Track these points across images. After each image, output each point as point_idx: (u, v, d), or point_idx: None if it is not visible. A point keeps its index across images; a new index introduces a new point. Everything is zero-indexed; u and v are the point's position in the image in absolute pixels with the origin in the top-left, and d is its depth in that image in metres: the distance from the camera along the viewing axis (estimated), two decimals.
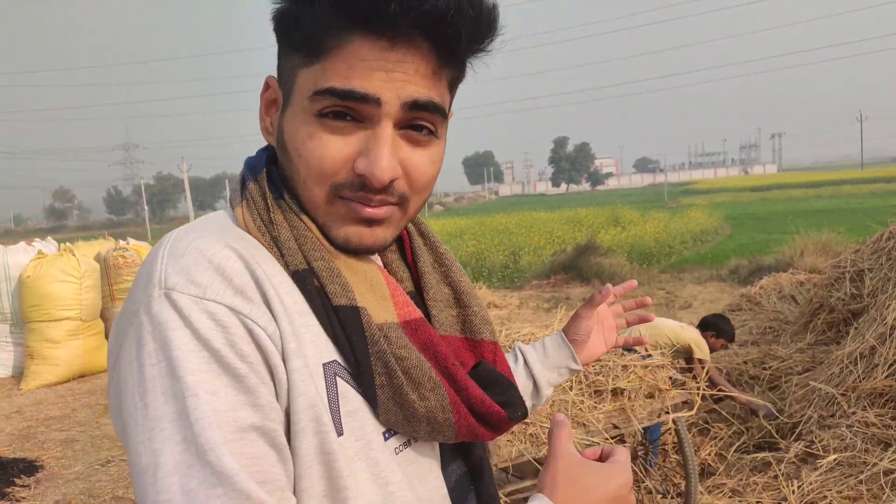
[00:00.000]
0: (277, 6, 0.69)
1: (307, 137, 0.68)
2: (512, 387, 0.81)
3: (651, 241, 16.53)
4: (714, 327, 4.30)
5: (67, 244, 7.76)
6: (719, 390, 4.22)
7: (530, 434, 2.96)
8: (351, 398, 0.68)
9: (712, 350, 4.34)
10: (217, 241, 0.66)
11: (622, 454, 0.77)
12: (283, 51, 0.72)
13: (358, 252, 0.73)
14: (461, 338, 0.81)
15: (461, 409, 0.72)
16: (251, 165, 0.77)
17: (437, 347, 0.73)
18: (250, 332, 0.62)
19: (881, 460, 3.33)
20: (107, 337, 7.59)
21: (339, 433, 0.66)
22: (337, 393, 0.67)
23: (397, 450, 0.71)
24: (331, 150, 0.68)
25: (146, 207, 53.53)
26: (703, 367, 4.03)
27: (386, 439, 0.70)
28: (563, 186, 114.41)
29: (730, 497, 3.53)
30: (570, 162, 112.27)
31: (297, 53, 0.69)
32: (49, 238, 8.11)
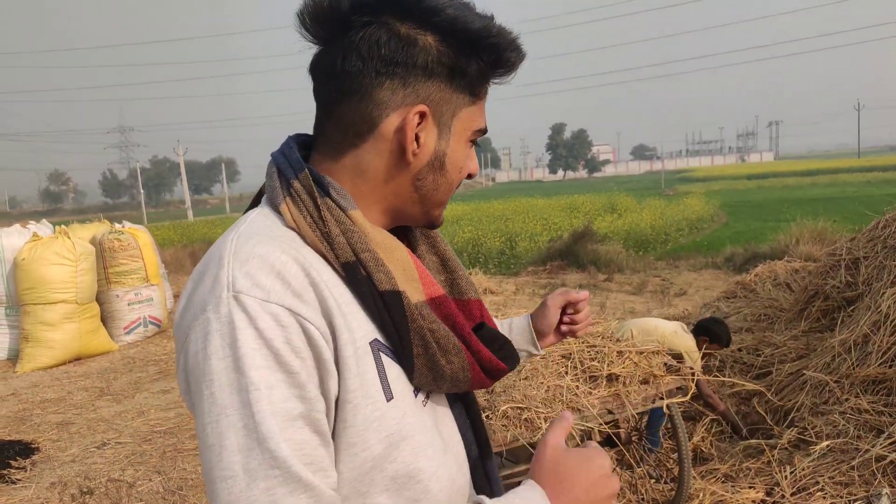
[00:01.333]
0: (440, 53, 0.83)
1: (466, 157, 0.90)
2: (507, 342, 0.96)
3: (647, 228, 16.54)
4: (708, 332, 4.18)
5: (63, 227, 7.73)
6: (708, 403, 4.19)
7: (525, 419, 2.97)
8: (392, 367, 0.81)
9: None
10: (276, 248, 0.76)
11: (593, 442, 0.89)
12: (440, 86, 0.84)
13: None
14: (452, 299, 0.93)
15: (475, 367, 0.87)
16: (290, 164, 0.85)
17: (455, 318, 0.87)
18: (305, 332, 0.73)
19: (873, 446, 3.35)
20: (103, 321, 7.62)
21: (390, 398, 0.79)
22: (383, 365, 0.80)
23: (423, 402, 0.86)
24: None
25: (142, 191, 53.20)
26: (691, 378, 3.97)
27: (416, 396, 0.84)
28: (560, 173, 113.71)
29: (723, 482, 3.56)
30: (568, 148, 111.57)
31: (461, 94, 0.86)
32: (44, 221, 8.07)
